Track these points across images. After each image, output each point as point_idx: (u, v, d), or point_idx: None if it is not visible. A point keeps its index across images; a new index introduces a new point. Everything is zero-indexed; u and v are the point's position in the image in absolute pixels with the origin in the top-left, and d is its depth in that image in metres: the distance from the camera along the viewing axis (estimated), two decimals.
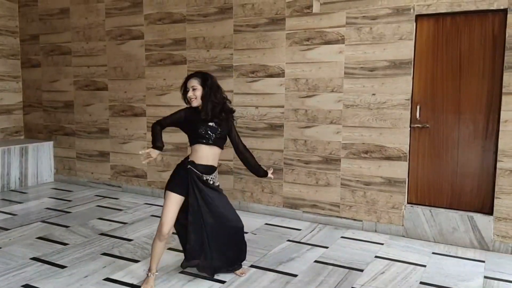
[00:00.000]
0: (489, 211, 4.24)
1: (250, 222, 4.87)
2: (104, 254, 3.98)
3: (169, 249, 3.95)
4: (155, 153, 3.22)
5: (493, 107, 4.17)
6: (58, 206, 5.55)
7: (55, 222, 4.90)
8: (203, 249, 3.33)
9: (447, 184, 4.43)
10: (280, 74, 5.03)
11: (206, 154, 3.25)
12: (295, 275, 3.59)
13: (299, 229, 4.73)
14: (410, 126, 4.49)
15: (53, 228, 4.70)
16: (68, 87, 6.62)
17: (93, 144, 6.51)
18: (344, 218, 4.84)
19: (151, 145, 3.31)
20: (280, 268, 3.72)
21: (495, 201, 4.16)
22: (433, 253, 4.14)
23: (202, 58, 5.50)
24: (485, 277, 3.64)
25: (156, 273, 3.30)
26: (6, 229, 4.63)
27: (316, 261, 3.88)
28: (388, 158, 4.57)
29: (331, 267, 3.77)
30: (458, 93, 4.31)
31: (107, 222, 4.92)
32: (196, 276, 3.51)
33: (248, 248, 3.61)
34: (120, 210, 5.40)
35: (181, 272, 3.58)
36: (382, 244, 4.34)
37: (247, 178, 5.26)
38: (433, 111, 4.42)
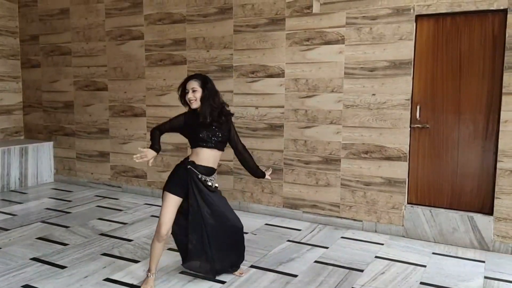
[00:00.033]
0: (489, 211, 4.25)
1: (250, 222, 4.88)
2: (104, 254, 3.99)
3: (169, 249, 3.96)
4: (151, 154, 3.19)
5: (493, 107, 4.18)
6: (58, 206, 5.56)
7: (55, 222, 4.91)
8: (204, 250, 3.33)
9: (447, 184, 4.43)
10: (280, 74, 5.04)
11: (207, 156, 3.25)
12: (295, 276, 3.59)
13: (299, 230, 4.74)
14: (410, 126, 4.49)
15: (53, 228, 4.70)
16: (68, 87, 6.63)
17: (93, 145, 6.52)
18: (344, 218, 4.84)
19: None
20: (280, 269, 3.72)
21: (495, 201, 4.16)
22: (433, 253, 4.14)
23: (202, 58, 5.51)
24: (485, 277, 3.64)
25: (156, 274, 3.31)
26: (6, 230, 4.64)
27: (316, 262, 3.89)
28: (388, 158, 4.58)
29: (331, 267, 3.78)
30: (458, 93, 4.31)
31: (107, 222, 4.93)
32: (196, 276, 3.51)
33: (248, 249, 3.62)
34: (120, 210, 5.41)
35: (181, 272, 3.58)
36: (382, 244, 4.35)
37: (247, 178, 5.27)
38: (433, 111, 4.43)
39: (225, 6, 5.29)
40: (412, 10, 4.35)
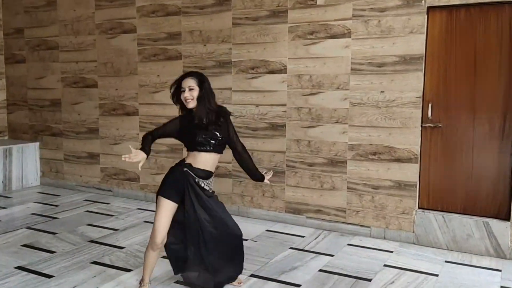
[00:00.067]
0: (506, 217, 4.24)
1: (250, 228, 4.88)
2: (94, 262, 3.98)
3: (163, 257, 3.95)
4: (141, 155, 3.16)
5: (510, 105, 4.18)
6: (44, 211, 5.55)
7: (42, 228, 4.90)
8: (202, 260, 3.29)
9: (461, 187, 4.43)
10: (282, 70, 5.03)
11: (205, 160, 3.23)
12: (299, 285, 3.59)
13: (303, 236, 4.74)
14: (421, 126, 4.49)
15: (39, 235, 4.69)
16: (55, 84, 6.63)
17: (82, 145, 6.51)
18: (351, 224, 4.84)
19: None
20: (282, 278, 3.72)
21: None
22: (446, 261, 4.14)
23: (198, 53, 5.51)
24: (502, 287, 3.64)
25: (150, 283, 3.30)
26: None
27: (320, 270, 3.89)
28: (398, 160, 4.57)
29: (336, 276, 3.77)
30: (473, 91, 4.31)
31: (97, 228, 4.92)
32: (192, 286, 3.50)
33: (248, 256, 3.62)
34: (111, 215, 5.40)
35: (176, 282, 3.58)
36: (392, 252, 4.35)
37: (246, 181, 5.27)
38: (446, 109, 4.43)
39: None
40: (423, 2, 4.34)
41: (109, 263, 3.98)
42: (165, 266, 3.82)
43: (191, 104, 3.19)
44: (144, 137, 3.31)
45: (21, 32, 6.85)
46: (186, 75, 3.26)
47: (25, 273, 3.75)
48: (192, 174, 3.19)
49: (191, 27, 5.53)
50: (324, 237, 4.73)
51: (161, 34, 5.73)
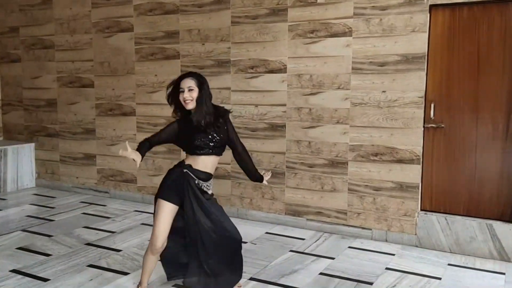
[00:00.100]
0: (510, 219, 4.26)
1: (250, 231, 4.88)
2: (91, 266, 3.99)
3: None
4: (136, 154, 3.10)
5: None
6: (40, 213, 5.57)
7: (37, 231, 4.91)
8: (201, 264, 3.26)
9: (464, 189, 4.44)
10: (282, 69, 5.05)
11: (205, 163, 3.21)
12: None
13: (303, 239, 4.75)
14: (424, 126, 4.50)
15: (35, 237, 4.71)
16: (51, 84, 6.64)
17: (78, 146, 6.53)
18: (352, 226, 4.85)
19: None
20: (282, 281, 3.73)
21: None
22: (449, 264, 4.15)
23: (196, 52, 5.53)
24: None
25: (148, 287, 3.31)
26: None
27: (321, 273, 3.90)
28: (400, 161, 4.59)
29: (337, 279, 3.78)
30: (476, 90, 4.32)
31: (94, 231, 4.93)
32: None
33: (247, 259, 3.62)
34: (108, 218, 5.42)
35: (174, 286, 3.59)
36: (394, 254, 4.36)
37: (245, 183, 5.28)
38: (449, 110, 4.44)
39: None
40: (425, 0, 4.36)
41: (106, 266, 3.99)
42: (163, 270, 3.83)
43: (190, 105, 3.16)
44: (141, 143, 3.25)
45: (16, 31, 6.87)
46: (185, 75, 3.23)
47: (20, 276, 3.76)
48: (193, 175, 3.17)
49: (189, 26, 5.54)
50: (324, 240, 4.74)
51: (159, 33, 5.75)
